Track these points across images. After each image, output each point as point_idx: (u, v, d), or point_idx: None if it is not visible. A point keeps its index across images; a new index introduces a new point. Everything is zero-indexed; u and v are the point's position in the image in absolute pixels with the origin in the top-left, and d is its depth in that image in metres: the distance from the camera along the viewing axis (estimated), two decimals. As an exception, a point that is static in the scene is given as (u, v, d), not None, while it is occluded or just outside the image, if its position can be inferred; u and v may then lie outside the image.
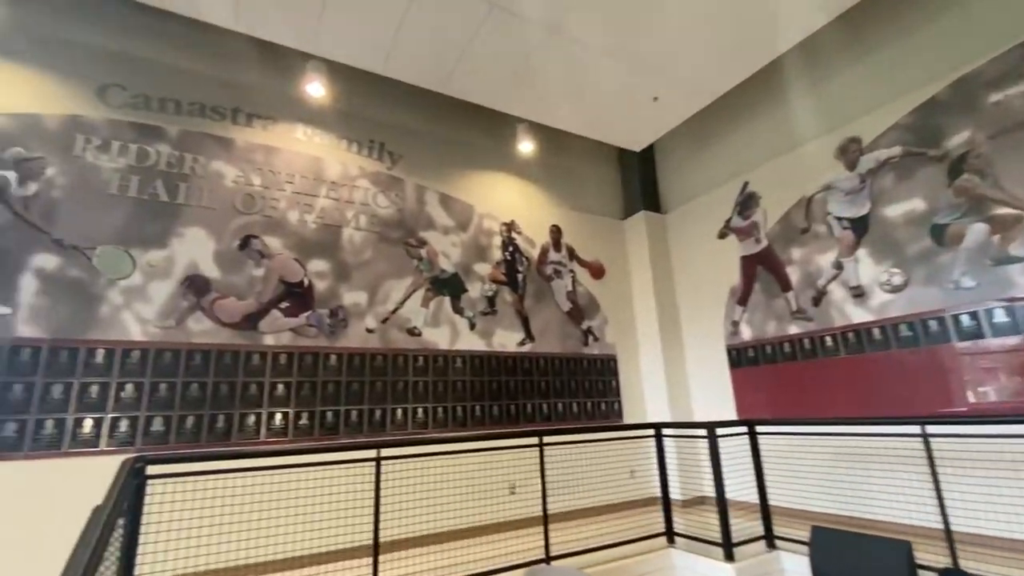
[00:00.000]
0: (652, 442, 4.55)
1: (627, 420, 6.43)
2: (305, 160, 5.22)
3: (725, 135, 6.57)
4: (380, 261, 5.37)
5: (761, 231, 5.92)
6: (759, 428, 4.25)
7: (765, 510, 4.09)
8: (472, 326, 5.76)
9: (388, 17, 4.52)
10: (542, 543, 3.74)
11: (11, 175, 4.00)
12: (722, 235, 6.44)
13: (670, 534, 4.23)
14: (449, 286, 5.75)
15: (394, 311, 5.32)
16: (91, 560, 1.65)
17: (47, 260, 3.98)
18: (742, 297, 6.10)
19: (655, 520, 4.32)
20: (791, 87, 5.76)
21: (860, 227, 4.92)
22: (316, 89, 5.17)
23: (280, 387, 4.56)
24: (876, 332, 4.68)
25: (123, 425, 3.95)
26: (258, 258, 4.74)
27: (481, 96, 5.91)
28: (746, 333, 5.95)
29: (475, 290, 5.91)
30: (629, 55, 5.22)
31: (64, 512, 3.54)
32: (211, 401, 4.27)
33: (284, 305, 4.76)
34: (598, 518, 4.70)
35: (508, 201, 6.50)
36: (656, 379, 6.58)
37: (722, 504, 3.73)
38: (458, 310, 5.73)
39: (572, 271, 6.73)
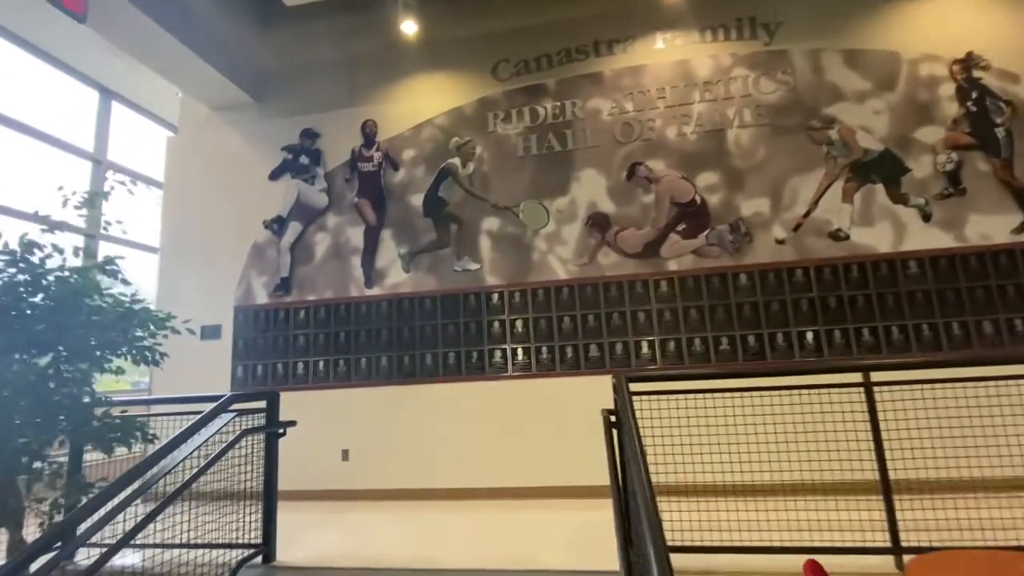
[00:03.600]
0: None
1: None
2: (671, 68, 4.75)
3: None
4: (778, 157, 4.45)
5: None
6: None
7: None
8: (926, 216, 4.18)
9: None
10: None
11: (456, 161, 5.01)
12: None
13: None
14: (879, 169, 4.31)
15: (807, 214, 4.34)
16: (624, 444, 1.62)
17: (491, 223, 4.85)
18: None
19: None
20: None
21: None
22: (671, -19, 4.58)
23: (693, 312, 4.35)
24: None
25: (568, 352, 4.50)
26: (646, 184, 4.60)
27: None
28: None
29: (922, 167, 4.25)
30: None
31: (564, 411, 4.29)
32: (632, 330, 4.42)
33: (680, 227, 4.49)
34: None
35: (956, 28, 4.40)
36: None
37: None
38: (899, 198, 4.25)
39: (1117, 98, 4.08)
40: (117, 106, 6.24)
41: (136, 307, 2.70)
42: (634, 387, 2.87)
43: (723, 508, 2.74)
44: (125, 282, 2.53)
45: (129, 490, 2.24)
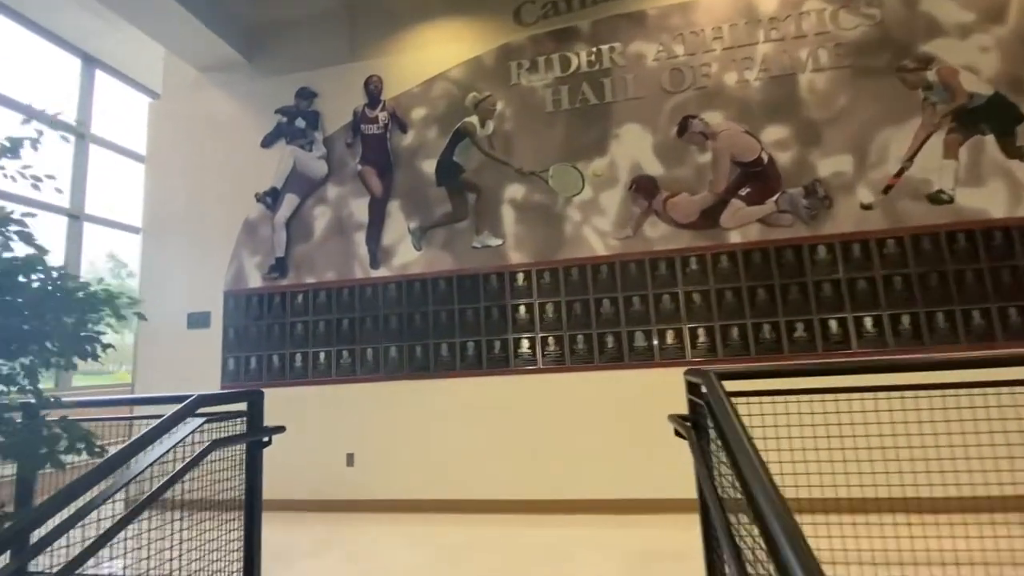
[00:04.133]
0: None
1: None
2: (729, 3, 3.98)
3: None
4: (863, 105, 3.69)
5: None
6: None
7: None
8: (1050, 173, 3.42)
9: None
10: None
11: (474, 119, 4.32)
12: None
13: None
14: (988, 117, 3.54)
15: (900, 173, 3.59)
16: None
17: (515, 190, 4.16)
18: None
19: None
20: None
21: None
22: None
23: (760, 292, 3.64)
24: None
25: (608, 341, 3.82)
26: (701, 140, 3.88)
27: None
28: None
29: (1044, 113, 3.48)
30: None
31: (605, 410, 3.63)
32: (686, 314, 3.73)
33: (744, 191, 3.76)
34: None
35: (1085, -58, 3.59)
36: None
37: None
38: (1014, 152, 3.48)
39: None
40: (101, 75, 5.65)
41: (72, 284, 2.06)
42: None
43: (838, 533, 2.07)
44: (41, 249, 1.90)
45: (52, 523, 1.63)
